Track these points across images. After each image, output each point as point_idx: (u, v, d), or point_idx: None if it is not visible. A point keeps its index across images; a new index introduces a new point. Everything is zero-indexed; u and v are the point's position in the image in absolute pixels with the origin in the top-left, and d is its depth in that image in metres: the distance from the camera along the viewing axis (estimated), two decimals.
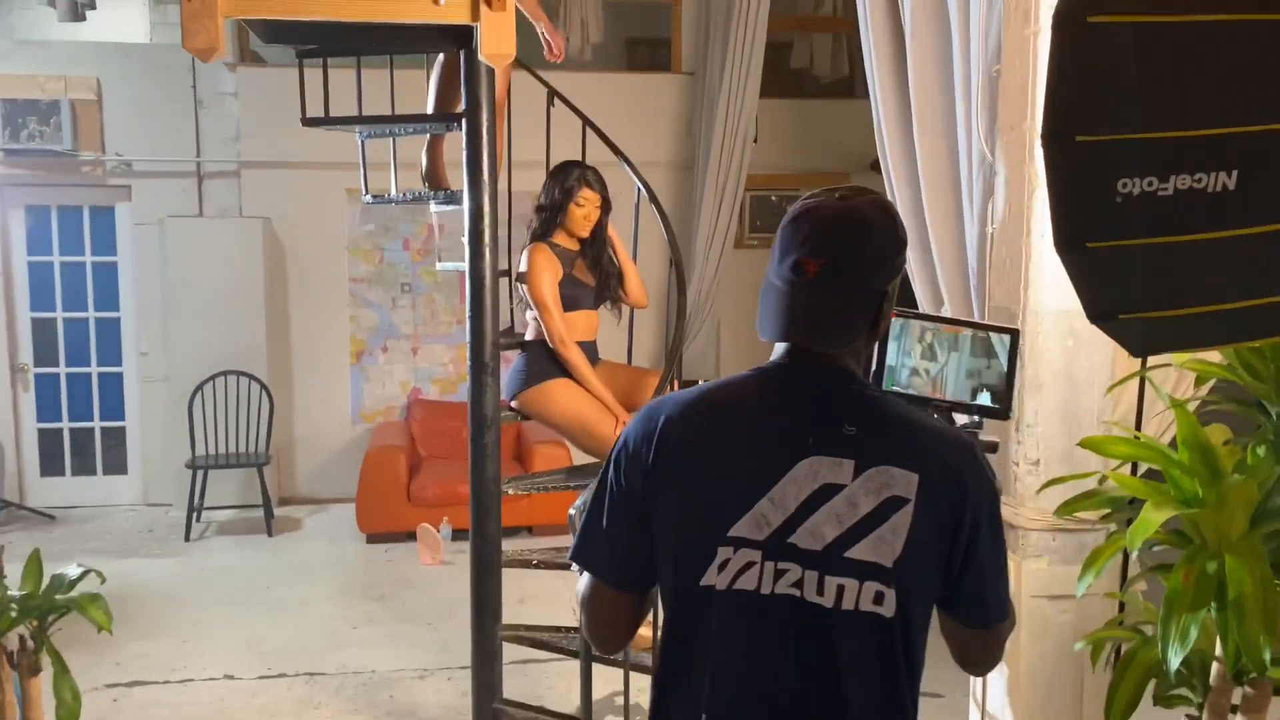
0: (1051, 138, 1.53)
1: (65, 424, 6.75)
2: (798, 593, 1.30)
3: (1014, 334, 1.86)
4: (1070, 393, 2.78)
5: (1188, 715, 2.35)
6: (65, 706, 2.34)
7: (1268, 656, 1.93)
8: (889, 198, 3.37)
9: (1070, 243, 1.58)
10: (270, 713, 3.81)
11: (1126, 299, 1.63)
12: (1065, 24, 1.49)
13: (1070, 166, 1.53)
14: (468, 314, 3.28)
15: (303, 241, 6.76)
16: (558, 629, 3.44)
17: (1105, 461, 2.66)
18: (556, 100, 3.80)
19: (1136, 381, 2.72)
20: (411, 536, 5.88)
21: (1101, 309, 1.67)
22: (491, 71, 3.12)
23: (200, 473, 6.14)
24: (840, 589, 1.30)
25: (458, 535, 5.91)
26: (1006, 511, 2.85)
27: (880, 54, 3.33)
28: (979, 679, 3.03)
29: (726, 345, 6.98)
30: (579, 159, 3.57)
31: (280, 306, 6.76)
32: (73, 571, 2.50)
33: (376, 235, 6.84)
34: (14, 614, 2.33)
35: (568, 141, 3.79)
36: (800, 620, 1.31)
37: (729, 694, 1.35)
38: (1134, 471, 2.58)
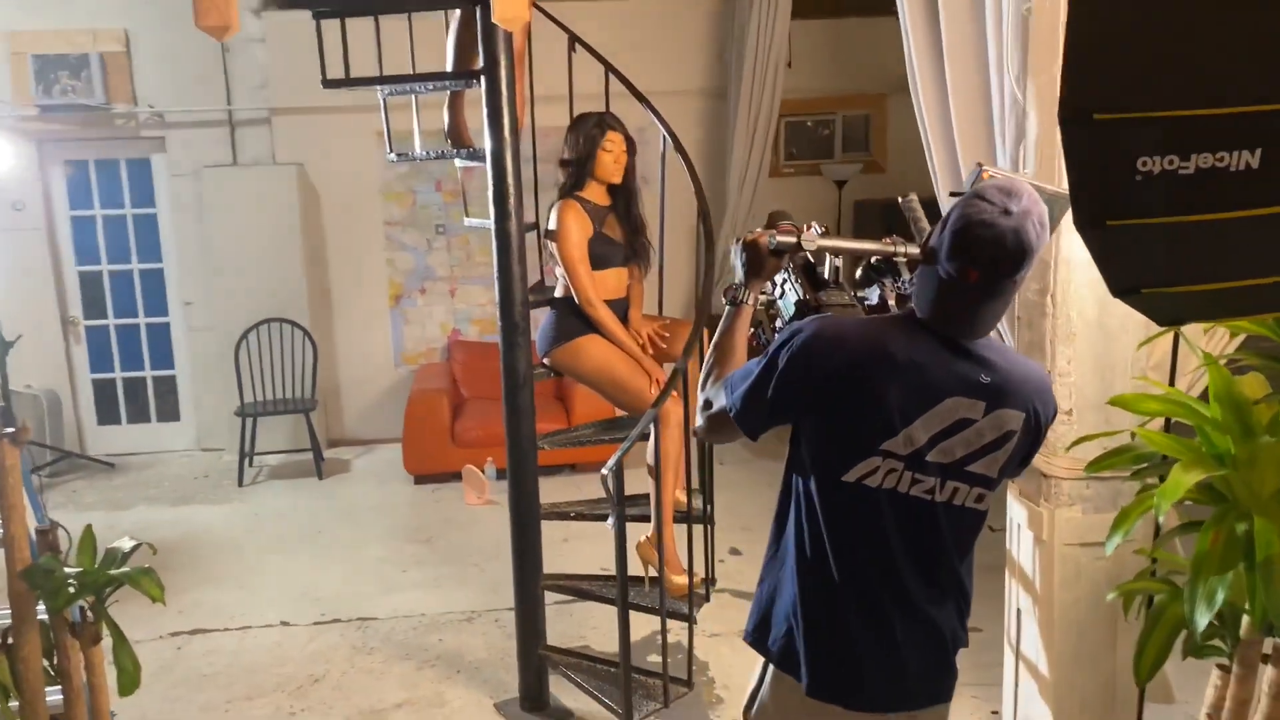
0: (1069, 116, 1.48)
1: (118, 374, 6.93)
2: (928, 497, 1.74)
3: (1065, 200, 1.86)
4: (1103, 342, 2.74)
5: (1218, 664, 2.36)
6: (126, 674, 2.46)
7: None
8: (920, 127, 3.30)
9: (1090, 221, 1.54)
10: (324, 659, 3.96)
11: (1149, 274, 1.60)
12: None
13: (1089, 145, 1.48)
14: (495, 274, 3.29)
15: (336, 187, 6.78)
16: (596, 577, 3.52)
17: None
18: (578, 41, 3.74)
19: (1169, 332, 2.67)
20: (457, 477, 6.00)
21: (1123, 284, 1.63)
22: None
23: (250, 420, 6.29)
24: (955, 490, 1.75)
25: (502, 475, 6.00)
26: (1039, 461, 2.85)
27: None
28: (1014, 621, 3.06)
29: None
30: (597, 107, 3.51)
31: (318, 252, 6.82)
32: (125, 545, 2.59)
33: (409, 178, 6.83)
34: (72, 590, 2.43)
35: (590, 76, 3.72)
36: (924, 514, 1.75)
37: (851, 562, 1.76)
38: (1166, 426, 2.56)
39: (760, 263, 1.95)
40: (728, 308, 1.97)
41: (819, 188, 7.13)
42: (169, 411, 7.02)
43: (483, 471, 5.89)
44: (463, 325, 7.08)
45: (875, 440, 1.70)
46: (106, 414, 6.95)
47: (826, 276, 2.06)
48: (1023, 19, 2.76)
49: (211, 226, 6.52)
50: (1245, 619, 2.23)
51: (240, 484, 6.18)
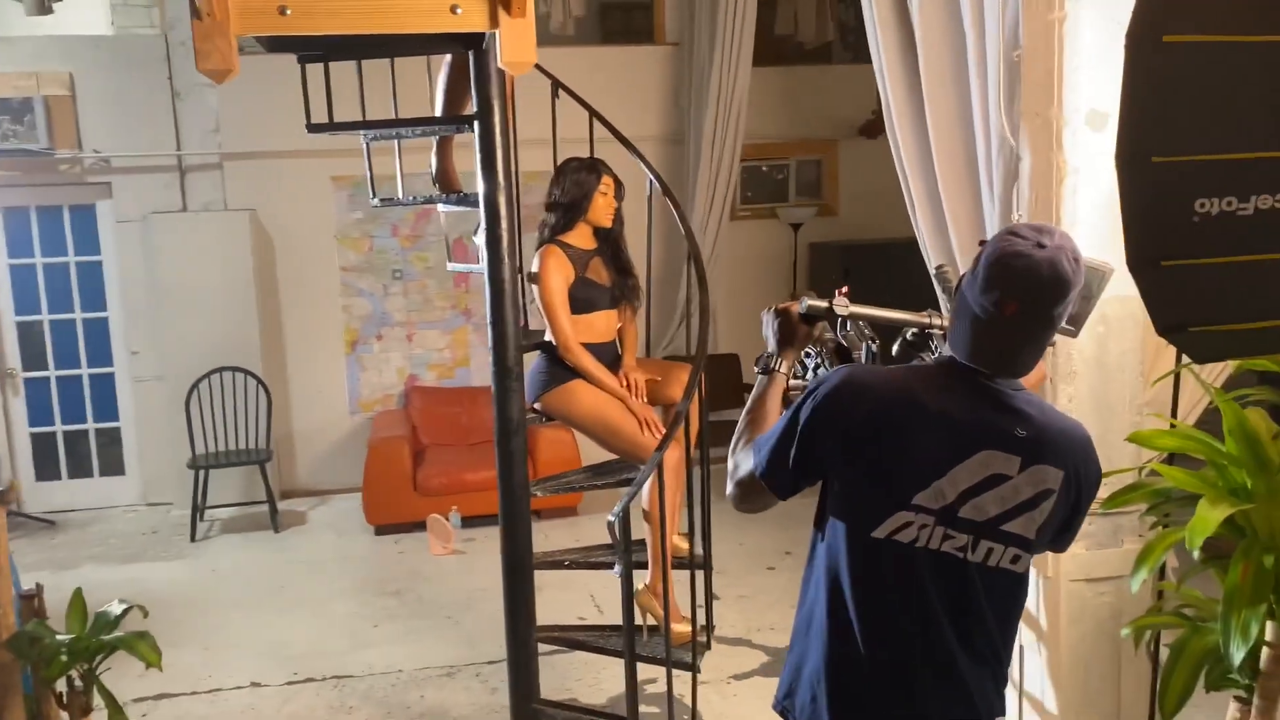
0: (1127, 159, 1.51)
1: (58, 427, 6.65)
2: (960, 554, 1.66)
3: (1106, 271, 1.86)
4: (1101, 380, 2.79)
5: (1236, 697, 2.39)
6: None
7: None
8: (898, 168, 3.32)
9: (1144, 261, 1.57)
10: None
11: (1197, 313, 1.64)
12: (1139, 43, 1.47)
13: (1146, 188, 1.51)
14: (489, 320, 3.24)
15: (290, 232, 6.66)
16: (593, 628, 3.45)
17: (1139, 449, 2.69)
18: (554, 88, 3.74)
19: (1166, 365, 2.74)
20: (419, 526, 5.87)
21: (1171, 323, 1.67)
22: (502, 71, 3.05)
23: (202, 472, 6.08)
24: (990, 551, 1.67)
25: (468, 523, 5.92)
26: None
27: (885, 26, 3.23)
28: (1016, 657, 3.07)
29: (723, 320, 6.95)
30: (576, 152, 3.51)
31: (271, 299, 6.67)
32: (115, 609, 2.46)
33: (365, 223, 6.74)
34: (64, 659, 2.29)
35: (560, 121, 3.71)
36: (954, 572, 1.67)
37: (880, 624, 1.68)
38: (1170, 461, 2.60)
39: (792, 330, 1.94)
40: (760, 377, 1.95)
41: (775, 231, 7.22)
42: (113, 465, 6.76)
43: (448, 520, 5.77)
44: (420, 370, 6.97)
45: (906, 493, 1.64)
46: (45, 469, 6.65)
47: (863, 360, 2.04)
48: (1012, 64, 2.79)
49: (160, 274, 6.33)
50: (1265, 651, 2.26)
51: (193, 539, 5.95)
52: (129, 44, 6.36)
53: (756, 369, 1.96)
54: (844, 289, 1.93)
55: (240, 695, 4.03)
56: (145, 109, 6.38)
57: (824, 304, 1.89)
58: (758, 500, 1.82)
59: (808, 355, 2.19)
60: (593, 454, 5.34)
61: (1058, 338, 2.03)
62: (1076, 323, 1.99)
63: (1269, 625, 2.21)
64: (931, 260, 3.26)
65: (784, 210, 7.10)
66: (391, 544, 5.85)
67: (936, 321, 1.91)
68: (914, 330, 1.95)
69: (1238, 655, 2.01)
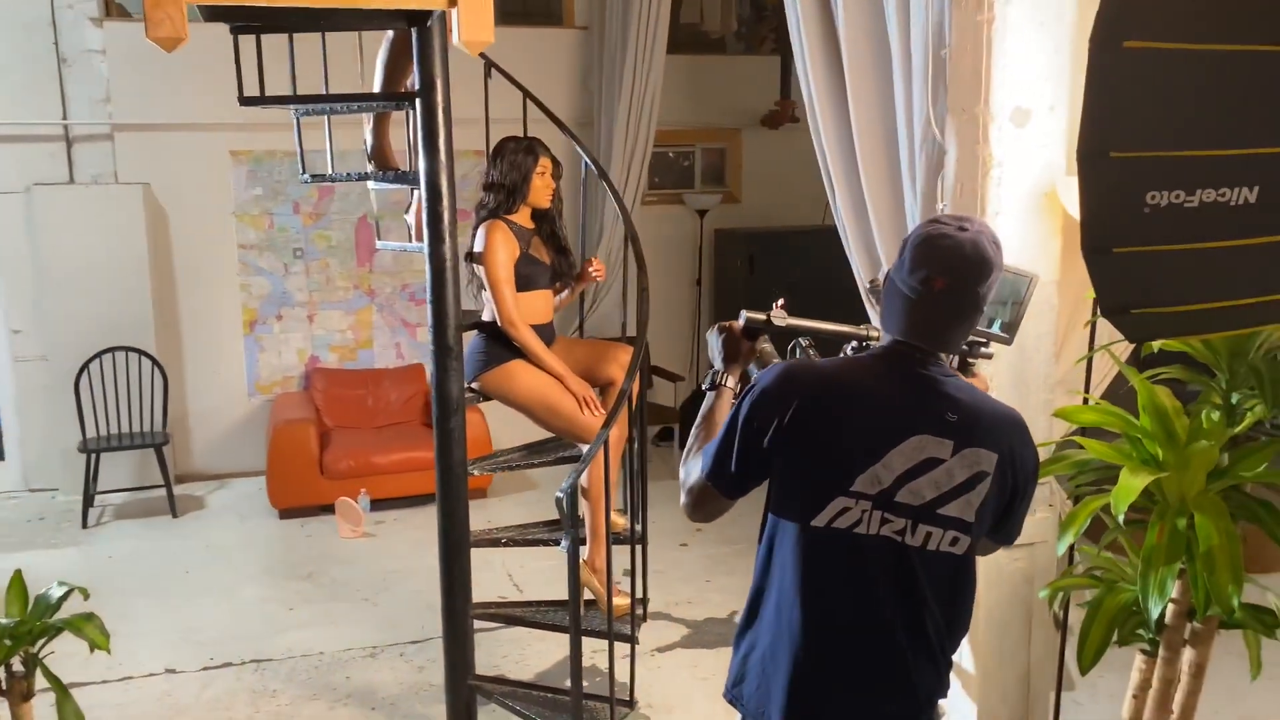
0: (1087, 154, 1.65)
1: None
2: (899, 538, 1.70)
3: (1033, 278, 1.99)
4: (1019, 360, 2.97)
5: (1141, 650, 2.60)
6: None
7: (1236, 602, 2.17)
8: (820, 159, 3.43)
9: (1098, 248, 1.72)
10: (225, 705, 3.74)
11: (1141, 296, 1.79)
12: (1102, 47, 1.60)
13: (1104, 181, 1.66)
14: (429, 299, 3.24)
15: (186, 208, 6.42)
16: (530, 604, 3.50)
17: (1050, 423, 2.89)
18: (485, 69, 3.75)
19: (1076, 346, 2.96)
20: (326, 509, 5.79)
21: (1115, 304, 1.83)
22: (446, 48, 3.05)
23: (93, 456, 5.83)
24: (928, 535, 1.71)
25: (377, 505, 5.86)
26: None
27: (807, 19, 3.33)
28: None
29: (634, 303, 7.02)
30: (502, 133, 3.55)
31: (166, 277, 6.43)
32: (55, 591, 2.39)
33: (265, 200, 6.56)
34: (8, 644, 2.22)
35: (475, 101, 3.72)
36: (894, 556, 1.71)
37: (824, 611, 1.73)
38: (1082, 433, 2.81)
39: (735, 346, 2.03)
40: (708, 393, 2.01)
41: (681, 216, 7.34)
42: None
43: (357, 503, 5.70)
44: (321, 352, 6.83)
45: (842, 480, 1.69)
46: None
47: None
48: (939, 61, 2.93)
49: (45, 249, 6.03)
50: (1171, 606, 2.48)
51: (85, 525, 5.71)
52: (9, 7, 6.01)
53: (704, 387, 2.02)
54: (780, 301, 2.03)
55: (155, 682, 3.92)
56: (28, 75, 6.04)
57: (762, 316, 1.98)
58: (710, 506, 1.86)
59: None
60: (504, 436, 5.37)
61: (995, 346, 2.19)
62: (1011, 330, 2.13)
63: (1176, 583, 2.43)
64: (853, 252, 3.39)
65: (690, 197, 7.22)
66: (298, 527, 5.75)
67: (874, 334, 2.00)
68: (853, 344, 2.04)
69: (1155, 610, 2.20)
